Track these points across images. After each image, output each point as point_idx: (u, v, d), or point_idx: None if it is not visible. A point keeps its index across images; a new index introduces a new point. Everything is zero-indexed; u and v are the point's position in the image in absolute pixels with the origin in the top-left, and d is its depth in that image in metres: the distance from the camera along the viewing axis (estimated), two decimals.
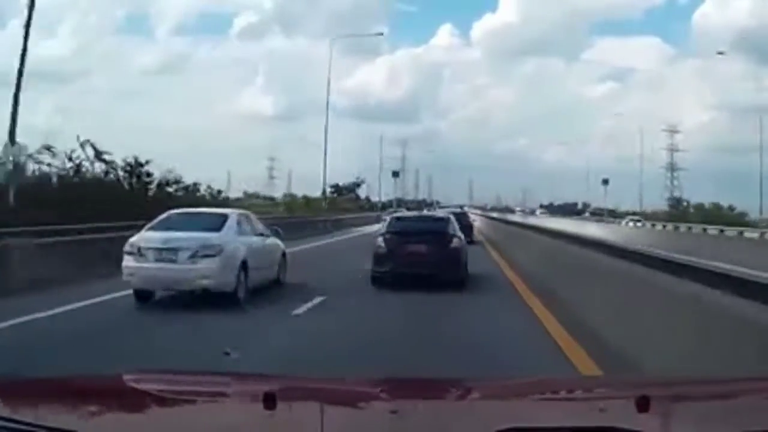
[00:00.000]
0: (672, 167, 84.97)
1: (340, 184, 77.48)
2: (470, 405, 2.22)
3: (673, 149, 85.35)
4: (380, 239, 13.38)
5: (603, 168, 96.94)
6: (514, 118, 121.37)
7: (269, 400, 1.85)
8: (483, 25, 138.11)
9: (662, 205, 76.66)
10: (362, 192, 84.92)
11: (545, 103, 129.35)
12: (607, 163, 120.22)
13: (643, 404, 1.84)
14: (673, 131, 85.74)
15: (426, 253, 12.76)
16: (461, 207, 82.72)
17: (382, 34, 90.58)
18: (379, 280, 12.67)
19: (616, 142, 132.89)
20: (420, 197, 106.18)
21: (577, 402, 2.34)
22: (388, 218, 17.64)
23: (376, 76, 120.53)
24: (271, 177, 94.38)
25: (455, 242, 13.24)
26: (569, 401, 2.34)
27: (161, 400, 2.18)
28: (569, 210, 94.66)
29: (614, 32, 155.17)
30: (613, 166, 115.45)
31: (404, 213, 27.03)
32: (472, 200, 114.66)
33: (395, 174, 79.65)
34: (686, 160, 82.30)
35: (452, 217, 15.23)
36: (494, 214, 70.02)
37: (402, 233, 13.55)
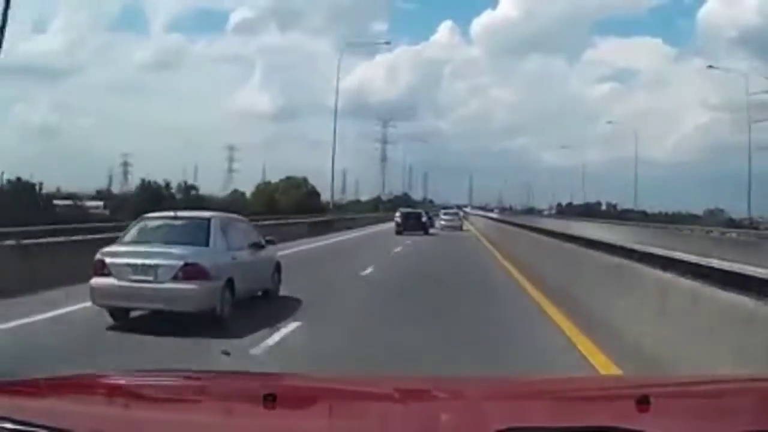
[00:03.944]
0: None
1: None
2: (469, 404, 2.21)
3: None
4: (399, 218, 39.69)
5: (600, 167, 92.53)
6: (515, 116, 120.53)
7: (269, 400, 1.84)
8: (482, 22, 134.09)
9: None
10: None
11: (546, 101, 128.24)
12: (605, 162, 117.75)
13: (643, 404, 1.84)
14: None
15: (415, 222, 38.86)
16: (460, 207, 76.14)
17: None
18: (398, 232, 36.33)
19: (619, 142, 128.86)
20: (405, 193, 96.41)
21: (577, 401, 2.33)
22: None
23: (374, 75, 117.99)
24: (230, 170, 79.65)
25: (424, 218, 40.55)
26: (569, 401, 2.33)
27: (161, 400, 2.17)
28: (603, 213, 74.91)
29: (617, 31, 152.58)
30: (612, 166, 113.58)
31: (406, 210, 45.38)
32: (472, 200, 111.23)
33: None
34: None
35: (423, 211, 44.49)
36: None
37: (406, 215, 40.53)
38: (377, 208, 72.38)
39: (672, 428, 1.90)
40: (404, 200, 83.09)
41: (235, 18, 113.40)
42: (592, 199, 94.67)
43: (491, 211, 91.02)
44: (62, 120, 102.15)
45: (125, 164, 66.89)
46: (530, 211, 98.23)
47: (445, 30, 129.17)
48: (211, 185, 68.81)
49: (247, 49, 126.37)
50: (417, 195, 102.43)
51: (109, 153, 66.60)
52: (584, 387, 2.87)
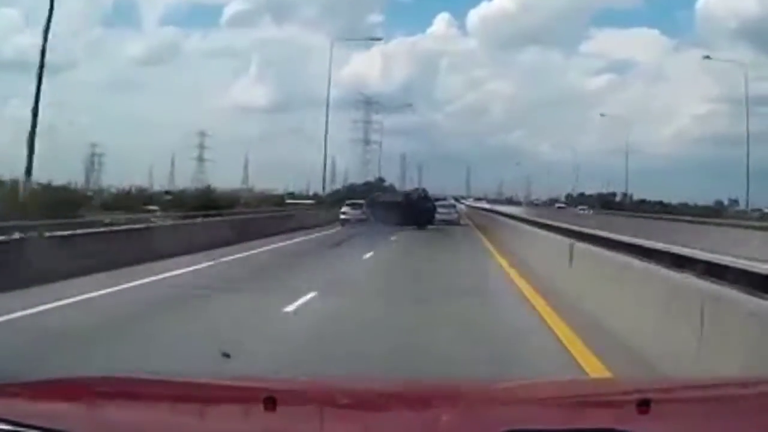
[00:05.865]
0: None
1: None
2: (470, 407, 2.21)
3: None
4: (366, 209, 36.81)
5: (598, 157, 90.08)
6: (512, 108, 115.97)
7: (269, 402, 1.84)
8: (479, 14, 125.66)
9: None
10: None
11: (544, 92, 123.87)
12: (603, 153, 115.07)
13: (643, 406, 1.84)
14: None
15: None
16: (458, 199, 71.27)
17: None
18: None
19: (618, 133, 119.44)
20: (380, 178, 79.34)
21: (577, 404, 2.32)
22: None
23: (370, 67, 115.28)
24: (201, 159, 67.88)
25: (430, 205, 36.79)
26: (569, 403, 2.32)
27: (159, 403, 2.16)
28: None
29: (615, 23, 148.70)
30: (610, 156, 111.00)
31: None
32: (470, 191, 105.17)
33: None
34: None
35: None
36: None
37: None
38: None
39: (672, 431, 1.90)
40: (378, 188, 66.89)
41: (229, 11, 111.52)
42: (593, 190, 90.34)
43: (515, 203, 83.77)
44: (55, 116, 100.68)
45: (93, 155, 61.20)
46: (553, 202, 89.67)
47: (441, 22, 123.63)
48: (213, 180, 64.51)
49: (241, 42, 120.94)
50: (411, 185, 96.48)
51: (101, 148, 64.54)
52: (585, 390, 2.88)
